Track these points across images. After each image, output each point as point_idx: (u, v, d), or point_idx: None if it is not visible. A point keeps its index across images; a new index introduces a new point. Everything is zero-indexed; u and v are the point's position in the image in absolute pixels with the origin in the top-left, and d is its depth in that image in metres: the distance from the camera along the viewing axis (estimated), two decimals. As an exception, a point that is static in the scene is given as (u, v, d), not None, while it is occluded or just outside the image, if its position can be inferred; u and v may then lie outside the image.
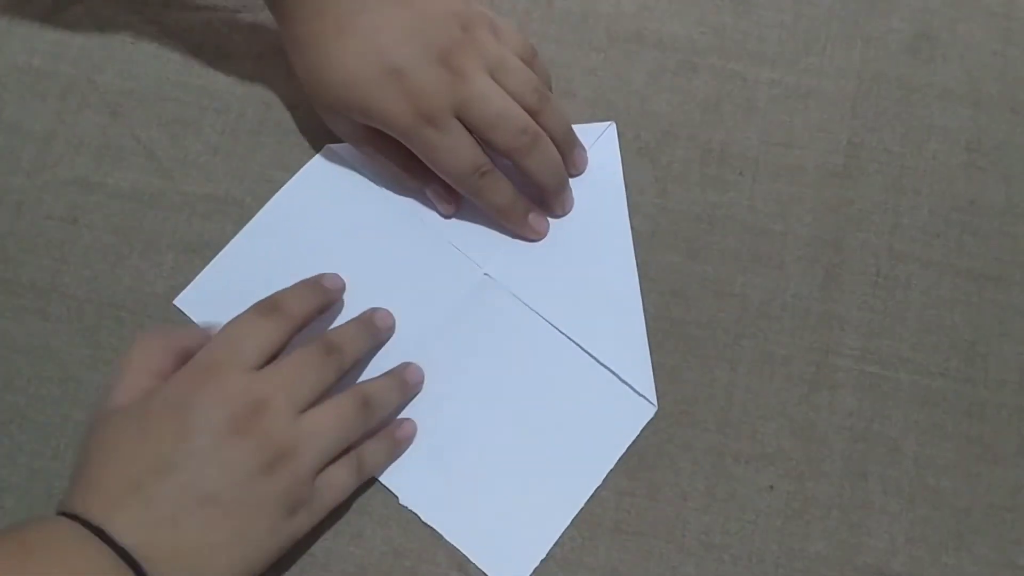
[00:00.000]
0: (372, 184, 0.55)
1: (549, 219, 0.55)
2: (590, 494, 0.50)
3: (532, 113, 0.52)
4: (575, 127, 0.56)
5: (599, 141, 0.56)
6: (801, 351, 0.53)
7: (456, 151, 0.50)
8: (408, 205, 0.54)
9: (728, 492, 0.51)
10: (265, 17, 0.58)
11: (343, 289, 0.52)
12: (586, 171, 0.56)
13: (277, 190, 0.55)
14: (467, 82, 0.50)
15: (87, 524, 0.42)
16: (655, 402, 0.52)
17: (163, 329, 0.52)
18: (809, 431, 0.52)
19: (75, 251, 0.54)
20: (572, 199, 0.55)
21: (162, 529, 0.43)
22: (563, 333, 0.53)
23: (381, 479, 0.50)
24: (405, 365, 0.51)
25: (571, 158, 0.55)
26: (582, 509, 0.50)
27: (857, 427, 0.52)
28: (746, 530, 0.50)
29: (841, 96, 0.58)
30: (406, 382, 0.51)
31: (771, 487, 0.51)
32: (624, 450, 0.51)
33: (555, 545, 0.49)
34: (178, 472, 0.43)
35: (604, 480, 0.50)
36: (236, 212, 0.55)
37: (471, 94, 0.50)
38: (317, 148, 0.56)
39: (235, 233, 0.54)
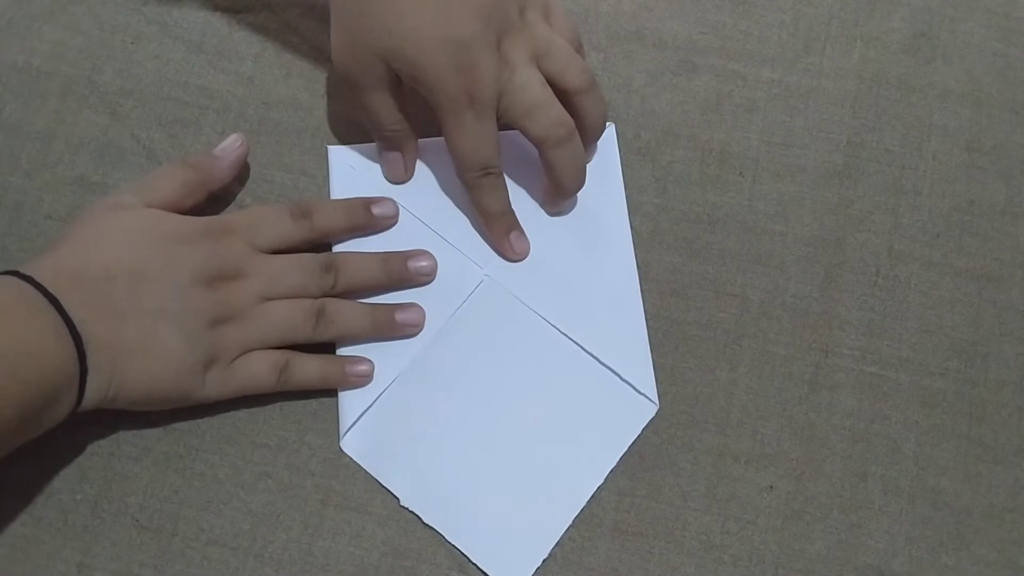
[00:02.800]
0: (373, 184, 0.55)
1: (550, 216, 0.55)
2: (592, 493, 0.50)
3: (576, 92, 0.52)
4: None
5: (599, 141, 0.56)
6: (801, 351, 0.53)
7: (478, 140, 0.50)
8: (408, 205, 0.54)
9: (728, 492, 0.51)
10: (265, 17, 0.58)
11: (393, 218, 0.54)
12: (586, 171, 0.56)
13: (277, 190, 0.55)
14: (512, 71, 0.50)
15: (43, 291, 0.45)
16: (656, 400, 0.52)
17: (184, 163, 0.53)
18: (809, 431, 0.52)
19: (75, 251, 0.54)
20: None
21: (110, 319, 0.46)
22: (563, 333, 0.53)
23: (381, 479, 0.50)
24: (408, 305, 0.52)
25: (591, 148, 0.55)
26: (582, 509, 0.50)
27: (857, 427, 0.52)
28: (746, 530, 0.50)
29: (841, 96, 0.58)
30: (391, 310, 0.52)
31: (771, 487, 0.51)
32: (626, 449, 0.51)
33: (555, 545, 0.49)
34: (146, 282, 0.47)
35: (604, 480, 0.50)
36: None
37: (513, 82, 0.50)
38: (316, 148, 0.56)
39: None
